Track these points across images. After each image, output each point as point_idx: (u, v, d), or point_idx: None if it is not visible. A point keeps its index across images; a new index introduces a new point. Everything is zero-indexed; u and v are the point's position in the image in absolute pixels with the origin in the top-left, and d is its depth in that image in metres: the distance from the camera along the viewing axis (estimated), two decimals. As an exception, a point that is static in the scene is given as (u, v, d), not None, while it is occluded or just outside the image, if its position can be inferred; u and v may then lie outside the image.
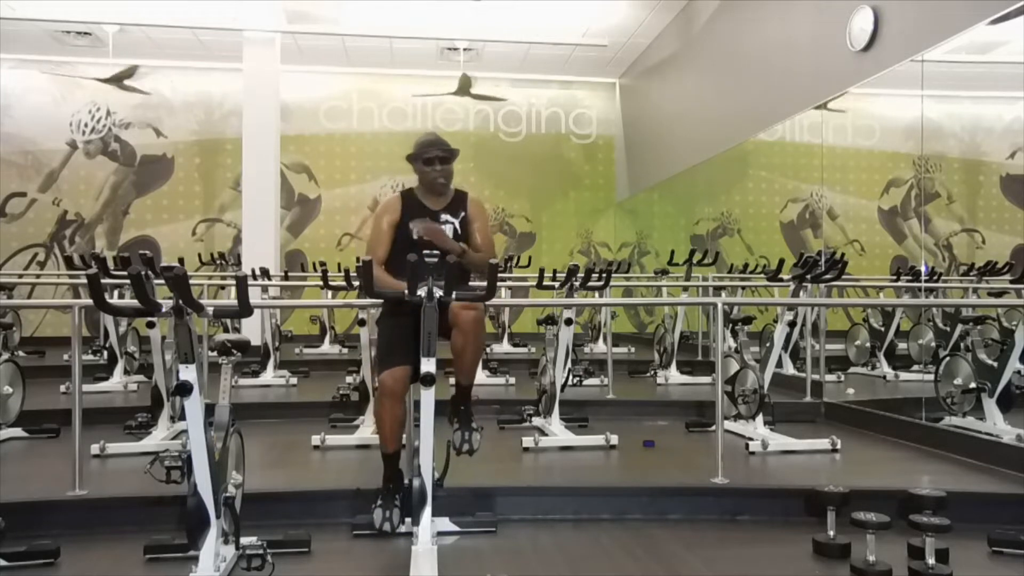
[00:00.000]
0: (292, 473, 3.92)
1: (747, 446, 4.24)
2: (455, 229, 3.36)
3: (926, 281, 5.09)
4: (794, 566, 2.86)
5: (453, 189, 3.48)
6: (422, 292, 2.80)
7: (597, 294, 5.74)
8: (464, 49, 9.53)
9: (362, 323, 4.68)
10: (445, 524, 3.09)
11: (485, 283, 2.93)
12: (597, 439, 4.39)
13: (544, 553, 2.99)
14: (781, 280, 4.94)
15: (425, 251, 2.83)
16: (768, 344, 4.92)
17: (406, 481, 3.00)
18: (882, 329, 6.16)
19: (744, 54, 7.00)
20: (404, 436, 3.35)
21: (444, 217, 3.38)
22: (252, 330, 6.64)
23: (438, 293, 2.81)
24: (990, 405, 4.28)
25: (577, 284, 4.80)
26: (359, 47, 9.53)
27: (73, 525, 3.14)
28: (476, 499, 3.35)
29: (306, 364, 7.13)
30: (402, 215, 3.35)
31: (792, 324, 4.69)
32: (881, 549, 2.73)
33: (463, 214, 3.44)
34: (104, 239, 10.10)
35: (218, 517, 2.46)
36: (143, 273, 2.32)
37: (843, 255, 5.20)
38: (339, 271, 5.96)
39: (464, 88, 9.23)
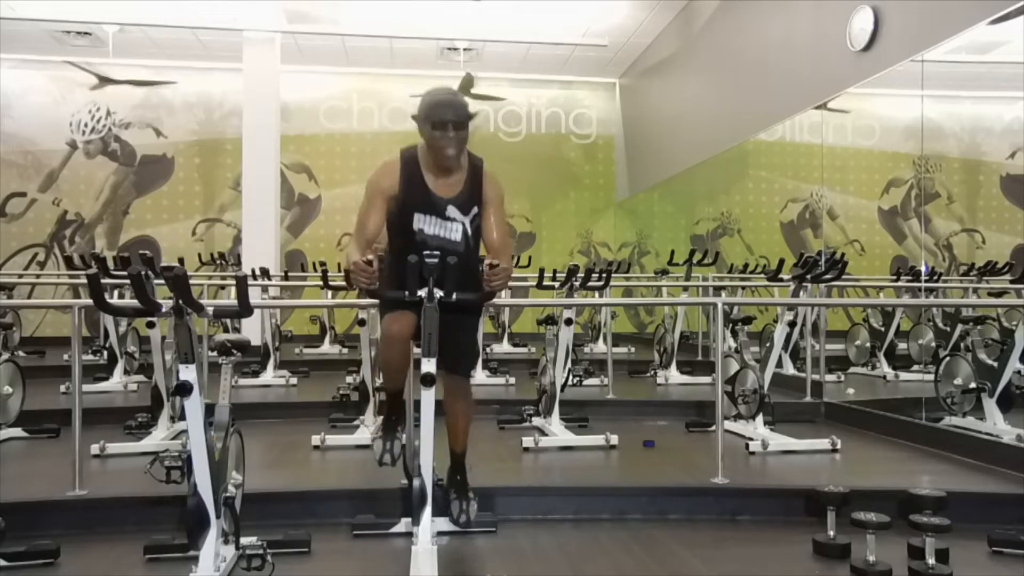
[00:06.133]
0: (292, 473, 3.92)
1: (747, 446, 4.24)
2: (464, 230, 2.86)
3: (926, 281, 5.09)
4: (794, 566, 2.86)
5: (467, 160, 2.89)
6: (423, 293, 2.78)
7: (597, 294, 5.74)
8: (464, 49, 9.53)
9: (362, 323, 4.68)
10: (445, 524, 3.08)
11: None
12: (597, 439, 4.39)
13: (544, 553, 2.99)
14: (781, 280, 4.94)
15: (426, 251, 2.80)
16: (768, 344, 4.91)
17: (404, 482, 3.00)
18: (882, 329, 6.16)
19: (744, 54, 6.99)
20: (404, 436, 3.35)
21: (451, 212, 2.84)
22: (252, 330, 6.64)
23: (439, 294, 2.79)
24: (990, 405, 4.28)
25: (577, 284, 4.80)
26: (359, 47, 9.53)
27: (73, 525, 3.14)
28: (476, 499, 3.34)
29: (306, 364, 7.13)
30: (401, 189, 2.82)
31: (792, 324, 4.69)
32: (881, 549, 2.73)
33: (475, 209, 2.86)
34: (104, 239, 10.10)
35: (218, 517, 2.46)
36: (143, 273, 2.33)
37: (843, 255, 5.20)
38: (339, 271, 5.96)
39: (465, 87, 9.17)
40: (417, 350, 2.83)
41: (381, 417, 3.14)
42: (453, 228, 2.87)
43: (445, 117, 2.73)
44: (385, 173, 2.86)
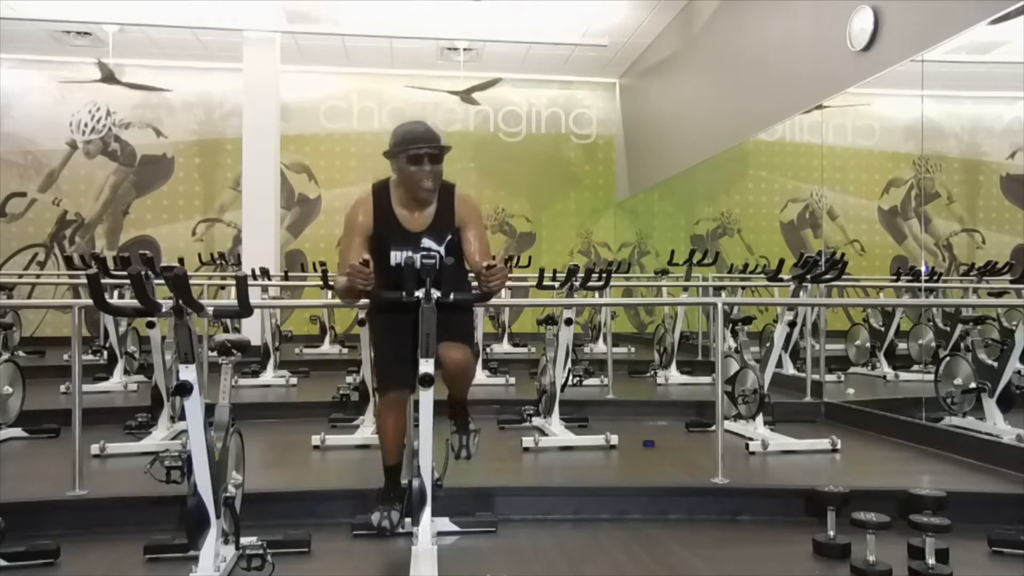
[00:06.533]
0: (292, 473, 3.92)
1: (747, 446, 4.24)
2: (440, 257, 2.84)
3: (926, 281, 5.08)
4: (794, 566, 2.86)
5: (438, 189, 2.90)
6: (420, 294, 2.77)
7: (597, 294, 5.74)
8: (464, 49, 9.54)
9: (362, 323, 4.68)
10: (445, 524, 3.08)
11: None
12: (597, 439, 4.39)
13: (544, 553, 2.99)
14: (781, 280, 4.94)
15: (423, 252, 2.79)
16: (768, 344, 4.92)
17: (405, 482, 2.99)
18: (882, 329, 6.16)
19: (744, 54, 7.00)
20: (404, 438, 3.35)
21: (426, 243, 2.86)
22: (252, 330, 6.64)
23: (436, 295, 2.78)
24: (990, 405, 4.28)
25: (577, 284, 4.80)
26: (359, 47, 9.53)
27: (73, 525, 3.14)
28: (476, 499, 3.35)
29: (306, 364, 7.13)
30: (375, 226, 2.86)
31: (792, 324, 4.69)
32: (881, 549, 2.73)
33: (450, 235, 2.88)
34: (104, 239, 10.10)
35: (218, 517, 2.46)
36: (143, 273, 2.32)
37: (843, 255, 5.19)
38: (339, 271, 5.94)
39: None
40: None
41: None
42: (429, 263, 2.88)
43: (421, 151, 2.74)
44: (359, 210, 2.89)
